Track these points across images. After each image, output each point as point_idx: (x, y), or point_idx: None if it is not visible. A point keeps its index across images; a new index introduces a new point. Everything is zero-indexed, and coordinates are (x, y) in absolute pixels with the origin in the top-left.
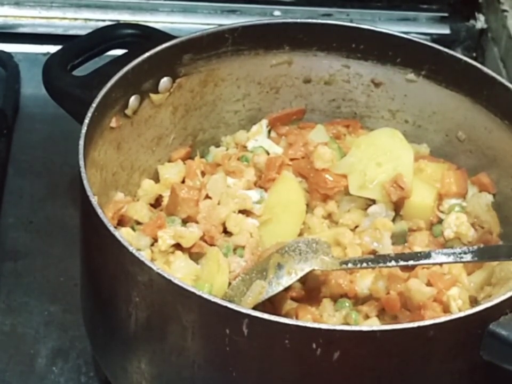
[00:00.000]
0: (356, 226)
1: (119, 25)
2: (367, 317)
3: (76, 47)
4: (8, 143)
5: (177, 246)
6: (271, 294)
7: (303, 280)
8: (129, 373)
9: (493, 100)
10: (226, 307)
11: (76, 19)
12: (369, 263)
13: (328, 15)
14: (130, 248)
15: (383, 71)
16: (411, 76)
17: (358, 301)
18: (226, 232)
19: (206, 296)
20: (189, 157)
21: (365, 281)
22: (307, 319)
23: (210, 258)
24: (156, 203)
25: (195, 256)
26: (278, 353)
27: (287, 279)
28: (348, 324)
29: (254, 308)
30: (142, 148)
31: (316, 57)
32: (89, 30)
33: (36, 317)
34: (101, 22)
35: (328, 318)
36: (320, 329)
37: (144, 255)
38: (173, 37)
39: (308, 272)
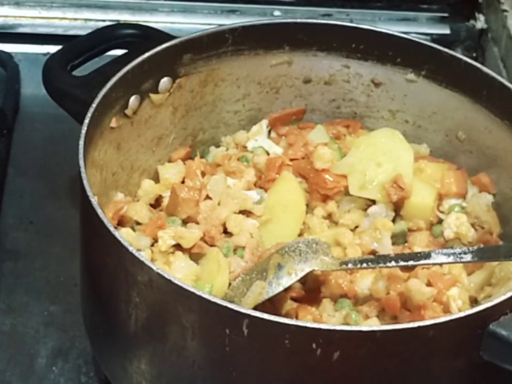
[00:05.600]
0: (356, 227)
1: (119, 25)
2: (367, 317)
3: (75, 47)
4: (8, 143)
5: (177, 247)
6: (271, 294)
7: (303, 280)
8: (129, 373)
9: (493, 100)
10: (226, 307)
11: (75, 19)
12: (369, 263)
13: (328, 15)
14: (130, 248)
15: (383, 71)
16: (411, 76)
17: (358, 301)
18: (226, 232)
19: (206, 296)
20: (189, 157)
21: (365, 281)
22: (307, 319)
23: (211, 259)
24: (156, 203)
25: (195, 257)
26: (278, 353)
27: (287, 279)
28: (348, 324)
29: (254, 308)
30: (142, 148)
31: (315, 57)
32: (89, 30)
33: (36, 317)
34: (101, 22)
35: (328, 318)
36: (320, 329)
37: (144, 255)
38: (173, 37)
39: (308, 272)
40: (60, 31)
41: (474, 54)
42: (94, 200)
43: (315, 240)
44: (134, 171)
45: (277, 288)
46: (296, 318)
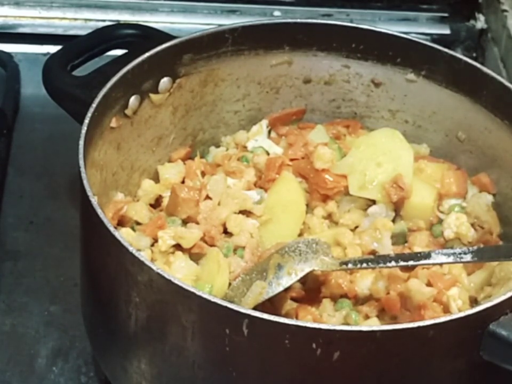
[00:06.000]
0: (356, 227)
1: (119, 25)
2: (367, 317)
3: (75, 47)
4: (8, 143)
5: (177, 247)
6: (271, 294)
7: (303, 280)
8: (129, 373)
9: (493, 100)
10: (226, 307)
11: (76, 19)
12: (369, 263)
13: (328, 15)
14: (130, 248)
15: (383, 71)
16: (411, 76)
17: (358, 301)
18: (226, 232)
19: (206, 296)
20: (189, 157)
21: (365, 282)
22: (307, 319)
23: (211, 259)
24: (156, 203)
25: (195, 257)
26: (278, 353)
27: (287, 279)
28: (348, 324)
29: (254, 308)
30: (142, 148)
31: (315, 57)
32: (89, 30)
33: (36, 317)
34: (101, 22)
35: (328, 318)
36: (320, 329)
37: (144, 255)
38: (173, 37)
39: (308, 272)
40: (59, 31)
41: (474, 54)
42: (94, 200)
43: (315, 240)
44: (134, 171)
45: (277, 288)
46: (296, 318)
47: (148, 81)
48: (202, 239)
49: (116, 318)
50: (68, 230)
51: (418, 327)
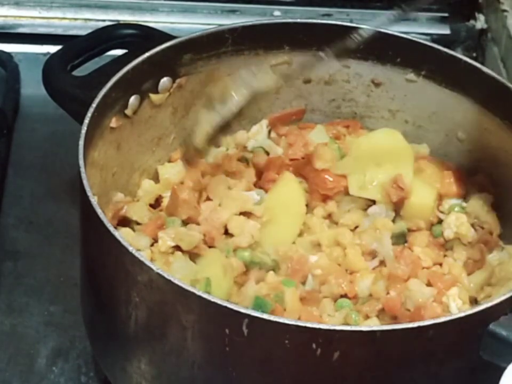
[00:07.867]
0: (356, 227)
1: (119, 25)
2: (367, 317)
3: (75, 47)
4: (8, 143)
5: (177, 247)
6: (223, 120)
7: (303, 280)
8: (129, 373)
9: (493, 100)
10: (226, 307)
11: (76, 19)
12: None
13: (328, 15)
14: (130, 248)
15: (383, 71)
16: (411, 76)
17: (358, 301)
18: (226, 232)
19: (206, 296)
20: None
21: (365, 282)
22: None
23: (211, 259)
24: (156, 203)
25: (195, 257)
26: (278, 353)
27: (235, 102)
28: (348, 324)
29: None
30: (142, 148)
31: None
32: (89, 30)
33: (36, 317)
34: (101, 22)
35: (328, 318)
36: (320, 329)
37: (144, 255)
38: (173, 37)
39: (255, 91)
40: (59, 31)
41: (474, 54)
42: (94, 200)
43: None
44: (134, 171)
45: (227, 113)
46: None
47: (148, 81)
48: (202, 239)
49: (115, 318)
50: (68, 230)
51: (418, 327)
